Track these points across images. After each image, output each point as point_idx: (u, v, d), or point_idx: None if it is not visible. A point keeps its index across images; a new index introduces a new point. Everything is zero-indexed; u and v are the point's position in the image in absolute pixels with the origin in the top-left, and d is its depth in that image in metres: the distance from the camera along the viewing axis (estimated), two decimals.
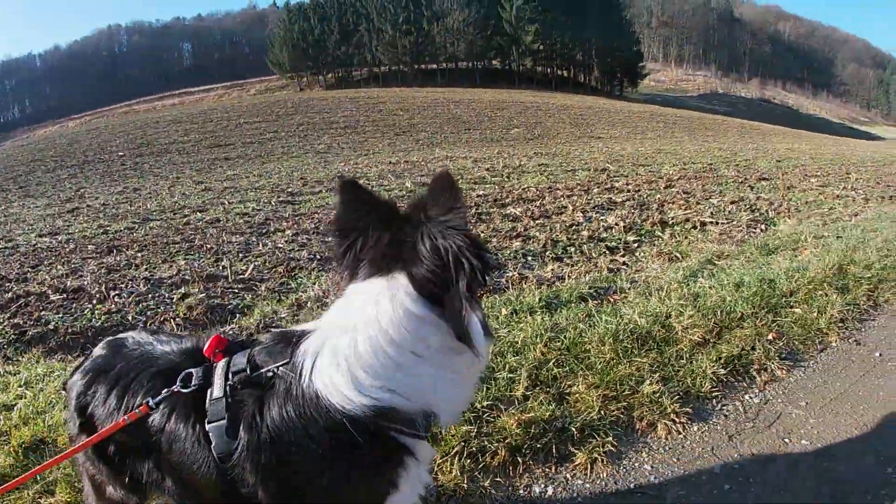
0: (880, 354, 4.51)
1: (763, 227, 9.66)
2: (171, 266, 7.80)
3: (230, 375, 1.92)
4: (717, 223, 9.84)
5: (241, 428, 1.84)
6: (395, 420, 1.79)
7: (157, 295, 6.58)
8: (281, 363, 1.87)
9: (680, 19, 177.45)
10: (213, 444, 1.85)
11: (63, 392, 2.75)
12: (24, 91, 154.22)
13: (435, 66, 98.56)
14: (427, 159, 21.67)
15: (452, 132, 32.96)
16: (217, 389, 1.90)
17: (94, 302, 6.36)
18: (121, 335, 2.30)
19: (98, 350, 2.26)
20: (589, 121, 42.95)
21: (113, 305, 6.21)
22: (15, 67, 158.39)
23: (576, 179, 15.67)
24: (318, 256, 8.06)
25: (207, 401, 1.90)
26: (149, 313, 5.99)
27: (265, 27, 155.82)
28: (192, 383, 1.93)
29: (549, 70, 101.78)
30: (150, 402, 1.92)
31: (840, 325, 5.00)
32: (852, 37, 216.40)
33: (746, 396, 3.87)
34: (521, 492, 3.02)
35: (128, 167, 24.26)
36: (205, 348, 2.05)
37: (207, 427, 1.86)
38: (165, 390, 1.93)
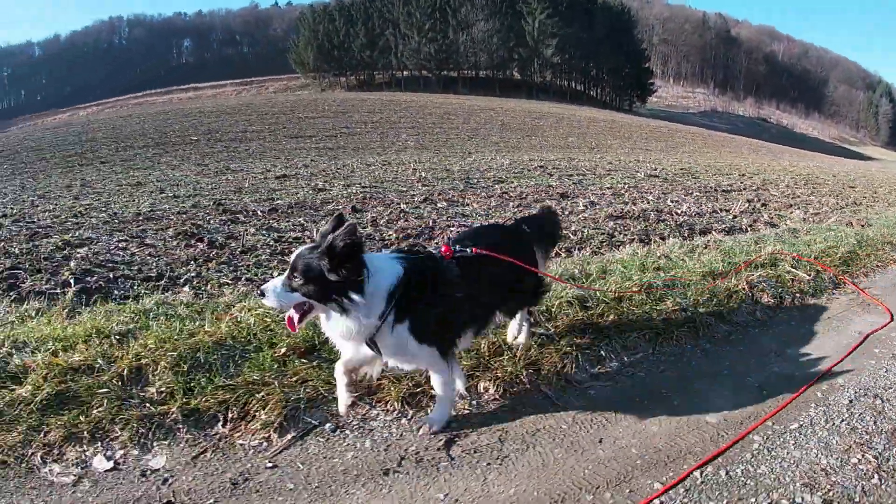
0: None
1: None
2: None
3: None
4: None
5: None
6: None
7: None
8: None
9: (679, 37, 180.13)
10: None
11: None
12: (20, 80, 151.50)
13: (456, 73, 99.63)
14: (537, 158, 22.50)
15: (518, 138, 33.52)
16: None
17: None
18: None
19: None
20: (624, 133, 43.89)
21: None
22: (11, 55, 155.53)
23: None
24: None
25: None
26: None
27: (268, 27, 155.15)
28: None
29: (565, 83, 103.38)
30: None
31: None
32: (843, 58, 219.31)
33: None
34: None
35: (219, 150, 24.18)
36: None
37: None
38: None
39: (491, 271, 4.07)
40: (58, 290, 5.76)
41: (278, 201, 11.11)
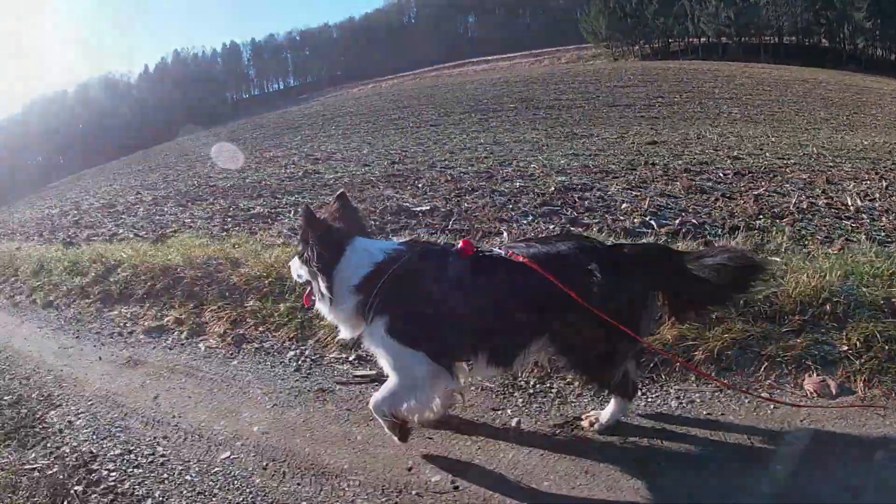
0: None
1: None
2: None
3: None
4: None
5: None
6: None
7: None
8: None
9: None
10: None
11: None
12: (320, 57, 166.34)
13: (757, 40, 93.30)
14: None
15: (846, 115, 30.46)
16: None
17: None
18: None
19: None
20: None
21: None
22: (311, 36, 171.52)
23: None
24: None
25: None
26: None
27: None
28: None
29: (878, 52, 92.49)
30: None
31: None
32: None
33: None
34: None
35: (541, 116, 24.51)
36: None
37: None
38: None
39: (515, 288, 3.09)
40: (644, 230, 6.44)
41: (720, 166, 10.70)
